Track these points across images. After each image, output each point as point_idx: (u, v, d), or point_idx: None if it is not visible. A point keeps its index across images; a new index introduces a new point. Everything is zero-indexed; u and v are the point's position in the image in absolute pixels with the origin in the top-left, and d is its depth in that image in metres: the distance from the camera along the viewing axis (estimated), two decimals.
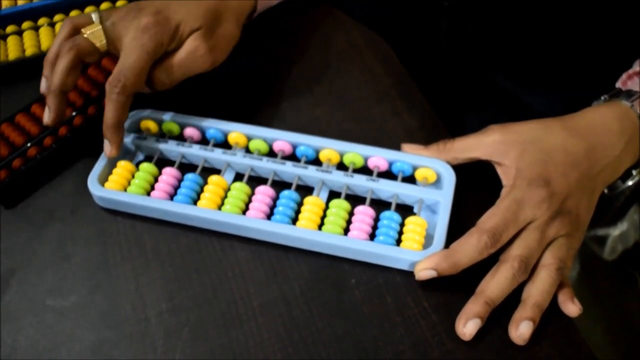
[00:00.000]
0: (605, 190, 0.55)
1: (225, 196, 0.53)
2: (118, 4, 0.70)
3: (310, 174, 0.54)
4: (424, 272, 0.48)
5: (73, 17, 0.56)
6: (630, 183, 0.57)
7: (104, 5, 0.70)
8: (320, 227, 0.51)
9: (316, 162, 0.56)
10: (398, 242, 0.50)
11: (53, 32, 0.68)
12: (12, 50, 0.65)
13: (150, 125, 0.57)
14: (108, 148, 0.54)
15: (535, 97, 0.68)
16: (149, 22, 0.53)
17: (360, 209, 0.51)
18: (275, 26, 0.70)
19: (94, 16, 0.55)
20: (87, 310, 0.49)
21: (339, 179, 0.53)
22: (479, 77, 0.70)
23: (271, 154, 0.56)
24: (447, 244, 0.48)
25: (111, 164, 0.55)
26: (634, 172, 0.56)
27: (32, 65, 0.65)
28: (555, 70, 0.66)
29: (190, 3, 0.56)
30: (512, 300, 0.47)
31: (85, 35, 0.54)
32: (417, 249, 0.49)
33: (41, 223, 0.54)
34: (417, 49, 0.73)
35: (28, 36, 0.67)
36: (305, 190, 0.54)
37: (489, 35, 0.67)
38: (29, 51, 0.65)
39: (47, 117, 0.54)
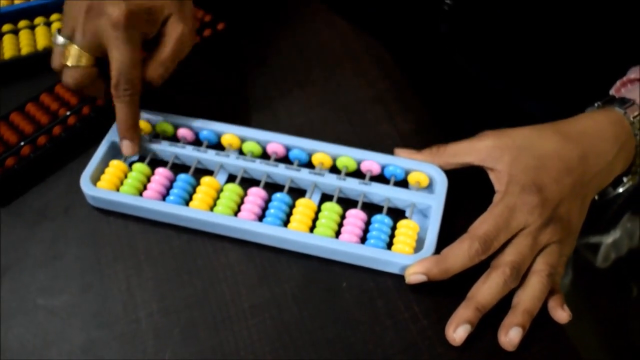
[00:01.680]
0: (596, 197, 0.56)
1: (218, 197, 0.53)
2: None
3: (302, 176, 0.54)
4: (414, 277, 0.48)
5: (51, 61, 0.55)
6: (620, 190, 0.57)
7: None
8: (312, 229, 0.51)
9: (309, 165, 0.56)
10: (389, 246, 0.50)
11: (49, 31, 0.67)
12: (7, 49, 0.65)
13: (144, 125, 0.57)
14: (130, 147, 0.54)
15: (532, 104, 0.68)
16: (125, 15, 0.50)
17: (352, 213, 0.52)
18: (271, 29, 0.70)
19: (60, 39, 0.53)
20: (78, 309, 0.49)
21: (331, 181, 0.53)
22: (477, 82, 0.70)
23: (264, 156, 0.56)
24: (439, 249, 0.48)
25: (104, 164, 0.55)
26: (625, 179, 0.57)
27: (28, 64, 0.65)
28: (552, 77, 0.66)
29: None
30: (502, 305, 0.47)
31: (70, 65, 0.53)
32: (409, 252, 0.49)
33: (33, 222, 0.54)
34: (417, 53, 0.73)
35: (24, 35, 0.67)
36: (297, 192, 0.54)
37: (488, 40, 0.67)
38: (25, 50, 0.65)
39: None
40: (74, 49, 0.52)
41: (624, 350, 0.96)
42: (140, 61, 0.53)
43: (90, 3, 0.51)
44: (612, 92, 0.58)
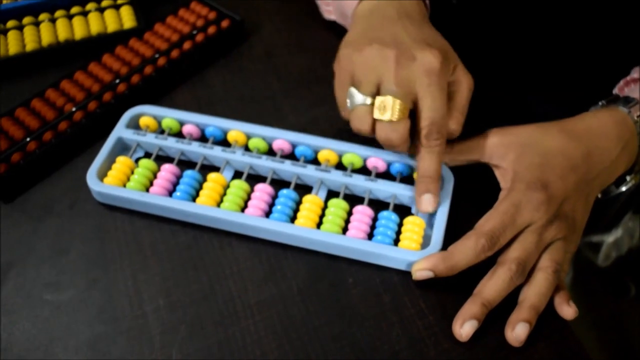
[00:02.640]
0: (599, 195, 0.56)
1: (224, 193, 0.53)
2: (119, 0, 0.71)
3: (309, 173, 0.54)
4: (420, 273, 0.48)
5: (355, 125, 0.50)
6: (624, 189, 0.58)
7: (105, 2, 0.70)
8: (318, 226, 0.51)
9: (315, 162, 0.56)
10: (396, 242, 0.51)
11: (54, 28, 0.68)
12: (12, 45, 0.65)
13: (150, 122, 0.57)
14: (432, 202, 0.51)
15: (535, 101, 0.68)
16: (439, 61, 0.49)
17: (359, 209, 0.52)
18: (275, 27, 0.70)
19: (361, 97, 0.50)
20: (84, 305, 0.49)
21: (337, 178, 0.53)
22: (483, 78, 0.70)
23: (270, 153, 0.56)
24: (445, 245, 0.48)
25: (110, 160, 0.55)
26: (628, 178, 0.57)
27: (32, 60, 0.65)
28: (556, 74, 0.66)
29: (430, 31, 0.53)
30: (508, 302, 0.47)
31: (389, 123, 0.49)
32: (415, 248, 0.49)
33: (39, 217, 0.54)
34: None
35: (28, 31, 0.67)
36: (303, 189, 0.54)
37: (494, 36, 0.67)
38: (30, 46, 0.65)
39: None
40: (393, 102, 0.48)
41: (623, 350, 0.96)
42: (447, 112, 0.50)
43: (398, 51, 0.49)
44: (615, 91, 0.58)
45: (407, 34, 0.51)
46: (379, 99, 0.49)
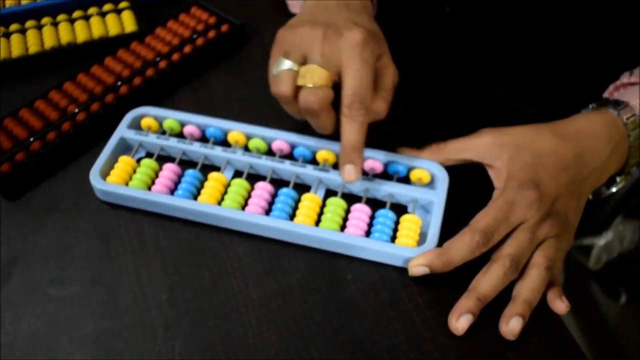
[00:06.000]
0: (590, 196, 0.57)
1: (225, 192, 0.55)
2: (121, 5, 0.72)
3: (307, 172, 0.55)
4: (417, 269, 0.49)
5: (278, 87, 0.52)
6: (614, 190, 0.59)
7: (106, 7, 0.72)
8: (317, 223, 0.52)
9: (313, 162, 0.57)
10: (393, 239, 0.52)
11: (56, 31, 0.69)
12: (15, 47, 0.66)
13: (151, 123, 0.58)
14: (354, 172, 0.52)
15: (528, 106, 0.70)
16: (364, 37, 0.51)
17: (357, 207, 0.53)
18: (275, 31, 0.71)
19: (288, 63, 0.51)
20: (88, 300, 0.50)
21: (335, 177, 0.55)
22: (476, 84, 0.71)
23: (270, 153, 0.58)
24: (440, 242, 0.50)
25: (113, 159, 0.56)
26: (618, 179, 0.58)
27: (35, 63, 0.66)
28: (548, 80, 0.68)
29: (364, 18, 0.55)
30: (503, 298, 0.48)
31: (311, 86, 0.50)
32: (412, 245, 0.51)
33: (43, 215, 0.55)
34: (417, 55, 0.75)
35: (31, 34, 0.68)
36: (302, 188, 0.56)
37: (487, 43, 0.69)
38: (32, 49, 0.67)
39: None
40: (315, 69, 0.51)
41: (613, 352, 0.98)
42: (372, 84, 0.52)
43: (327, 29, 0.51)
44: (605, 95, 0.60)
45: (340, 17, 0.54)
46: (303, 67, 0.51)
